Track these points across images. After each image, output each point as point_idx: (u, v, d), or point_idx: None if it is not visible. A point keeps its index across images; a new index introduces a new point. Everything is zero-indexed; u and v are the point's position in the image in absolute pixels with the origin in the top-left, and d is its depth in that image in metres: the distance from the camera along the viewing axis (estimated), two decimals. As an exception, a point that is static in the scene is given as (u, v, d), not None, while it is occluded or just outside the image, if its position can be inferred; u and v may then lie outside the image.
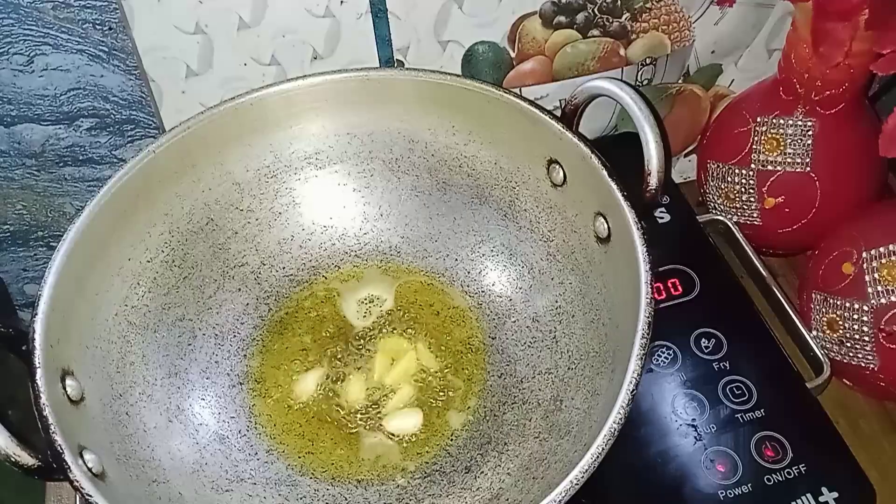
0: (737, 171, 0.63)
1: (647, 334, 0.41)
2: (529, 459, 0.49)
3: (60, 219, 0.70)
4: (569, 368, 0.51)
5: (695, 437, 0.52)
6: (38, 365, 0.42)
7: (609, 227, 0.49)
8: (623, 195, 0.46)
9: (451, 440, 0.51)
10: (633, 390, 0.40)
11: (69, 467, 0.39)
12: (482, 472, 0.50)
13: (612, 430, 0.39)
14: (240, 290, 0.58)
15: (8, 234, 0.71)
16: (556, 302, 0.54)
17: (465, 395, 0.54)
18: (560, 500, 0.37)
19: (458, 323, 0.57)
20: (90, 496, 0.38)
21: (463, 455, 0.51)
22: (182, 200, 0.55)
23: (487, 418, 0.52)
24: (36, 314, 0.44)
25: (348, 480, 0.50)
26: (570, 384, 0.51)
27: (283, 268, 0.59)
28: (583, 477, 0.38)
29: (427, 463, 0.51)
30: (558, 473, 0.42)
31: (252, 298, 0.58)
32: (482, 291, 0.58)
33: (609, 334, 0.49)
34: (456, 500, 0.49)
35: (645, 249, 0.44)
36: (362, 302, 0.58)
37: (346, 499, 0.49)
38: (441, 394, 0.54)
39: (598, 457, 0.38)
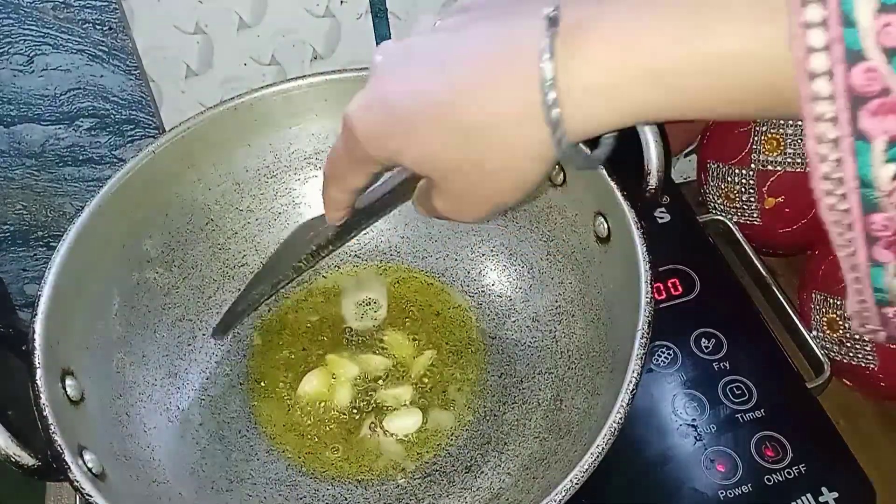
0: (737, 171, 0.63)
1: (647, 334, 0.41)
2: (529, 459, 0.49)
3: (60, 219, 0.70)
4: (569, 368, 0.51)
5: (695, 437, 0.52)
6: (37, 365, 0.42)
7: (609, 227, 0.49)
8: (623, 195, 0.46)
9: (451, 440, 0.51)
10: (634, 390, 0.40)
11: (69, 467, 0.39)
12: (482, 471, 0.50)
13: (613, 430, 0.39)
14: (240, 290, 0.58)
15: (8, 234, 0.71)
16: (556, 302, 0.54)
17: (465, 394, 0.54)
18: (560, 500, 0.37)
19: (458, 323, 0.57)
20: (90, 496, 0.38)
21: (463, 455, 0.51)
22: (181, 201, 0.55)
23: (487, 418, 0.52)
24: (36, 314, 0.44)
25: (348, 480, 0.50)
26: (569, 384, 0.51)
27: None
28: (583, 476, 0.38)
29: (427, 463, 0.51)
30: (559, 473, 0.42)
31: (252, 298, 0.58)
32: (482, 291, 0.58)
33: (609, 334, 0.49)
34: (456, 499, 0.49)
35: (645, 249, 0.44)
36: (362, 302, 0.58)
37: (346, 499, 0.49)
38: (441, 394, 0.54)
39: (598, 456, 0.38)
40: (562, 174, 0.52)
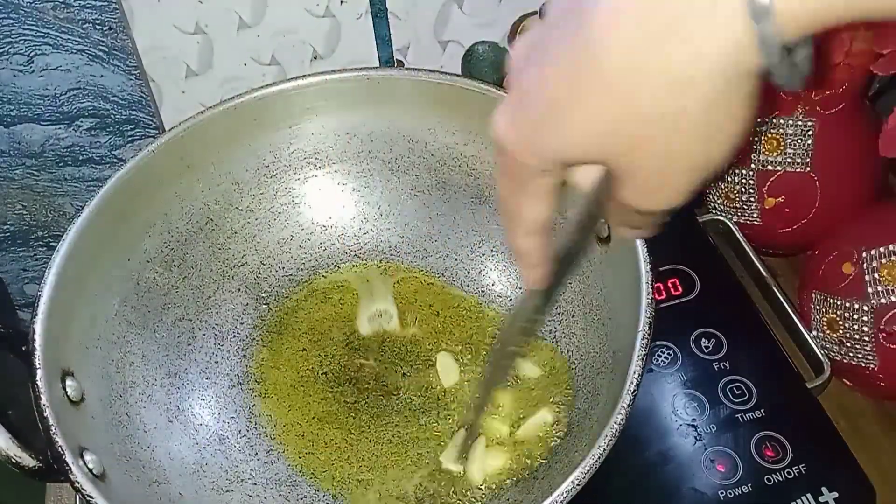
0: (737, 171, 0.63)
1: (648, 335, 0.41)
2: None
3: (60, 219, 0.70)
4: (569, 369, 0.51)
5: (695, 437, 0.52)
6: (38, 366, 0.42)
7: (609, 228, 0.49)
8: None
9: (452, 439, 0.51)
10: (635, 391, 0.40)
11: (70, 468, 0.39)
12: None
13: (614, 431, 0.39)
14: (239, 290, 0.58)
15: (8, 234, 0.71)
16: (556, 302, 0.54)
17: (465, 394, 0.53)
18: (562, 501, 0.37)
19: (457, 323, 0.57)
20: (91, 497, 0.38)
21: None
22: (181, 200, 0.55)
23: (488, 418, 0.52)
24: (36, 315, 0.44)
25: (349, 480, 0.50)
26: (570, 384, 0.51)
27: (283, 268, 0.59)
28: (584, 478, 0.38)
29: (427, 463, 0.51)
30: (559, 473, 0.42)
31: (251, 298, 0.58)
32: (482, 291, 0.58)
33: (609, 334, 0.49)
34: (456, 499, 0.49)
35: (645, 250, 0.44)
36: (374, 315, 0.58)
37: (346, 498, 0.49)
38: (442, 393, 0.54)
39: (599, 457, 0.38)
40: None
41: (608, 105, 0.25)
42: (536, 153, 0.28)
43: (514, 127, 0.29)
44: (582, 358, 0.51)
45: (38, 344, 0.43)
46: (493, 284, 0.58)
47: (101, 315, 0.50)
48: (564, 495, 0.37)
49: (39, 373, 0.42)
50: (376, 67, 0.62)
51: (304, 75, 0.55)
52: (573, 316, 0.53)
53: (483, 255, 0.59)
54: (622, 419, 0.39)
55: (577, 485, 0.37)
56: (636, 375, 0.40)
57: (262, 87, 0.55)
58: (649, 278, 0.43)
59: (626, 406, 0.39)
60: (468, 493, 0.49)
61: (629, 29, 0.24)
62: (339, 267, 0.60)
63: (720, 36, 0.23)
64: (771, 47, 0.22)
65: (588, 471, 0.38)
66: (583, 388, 0.49)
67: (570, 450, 0.46)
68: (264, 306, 0.58)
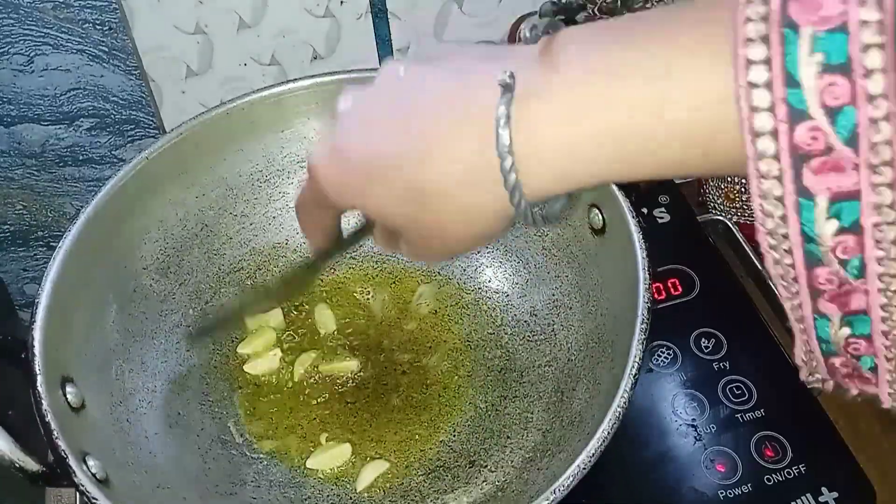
0: (736, 171, 0.63)
1: (647, 318, 0.42)
2: (533, 451, 0.49)
3: (60, 219, 0.70)
4: (568, 360, 0.52)
5: (695, 437, 0.52)
6: (38, 372, 0.42)
7: (603, 218, 0.49)
8: (616, 185, 0.47)
9: (454, 435, 0.51)
10: (636, 374, 0.40)
11: (74, 472, 0.38)
12: (486, 465, 0.50)
13: (617, 415, 0.39)
14: (236, 294, 0.58)
15: (8, 234, 0.71)
16: (553, 295, 0.54)
17: (465, 390, 0.54)
18: (567, 486, 0.37)
19: (456, 320, 0.57)
20: (96, 500, 0.38)
21: (466, 449, 0.51)
22: (176, 207, 0.55)
23: (489, 412, 0.52)
24: (34, 322, 0.43)
25: (351, 480, 0.50)
26: (570, 375, 0.51)
27: (279, 272, 0.59)
28: (589, 462, 0.38)
29: (430, 459, 0.51)
30: (563, 464, 0.41)
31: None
32: (479, 288, 0.58)
33: (607, 324, 0.49)
34: (461, 494, 0.49)
35: (641, 236, 0.44)
36: (360, 303, 0.58)
37: (350, 498, 0.49)
38: (442, 390, 0.54)
39: (603, 441, 0.38)
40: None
41: (398, 204, 0.32)
42: (340, 199, 0.34)
43: (327, 170, 0.34)
44: (581, 349, 0.51)
45: (37, 351, 0.42)
46: (489, 281, 0.58)
47: (99, 322, 0.49)
48: (571, 479, 0.37)
49: (39, 379, 0.41)
50: (367, 69, 0.62)
51: (296, 79, 0.55)
52: (570, 308, 0.53)
53: (478, 252, 0.59)
54: (625, 402, 0.39)
55: (584, 469, 0.38)
56: (637, 360, 0.40)
57: (253, 91, 0.55)
58: (646, 265, 0.43)
59: (628, 390, 0.39)
60: (470, 488, 0.49)
61: (430, 171, 0.31)
62: (335, 268, 0.60)
63: (485, 195, 0.30)
64: (522, 207, 0.30)
65: (594, 455, 0.38)
66: (583, 378, 0.49)
67: (573, 439, 0.46)
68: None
